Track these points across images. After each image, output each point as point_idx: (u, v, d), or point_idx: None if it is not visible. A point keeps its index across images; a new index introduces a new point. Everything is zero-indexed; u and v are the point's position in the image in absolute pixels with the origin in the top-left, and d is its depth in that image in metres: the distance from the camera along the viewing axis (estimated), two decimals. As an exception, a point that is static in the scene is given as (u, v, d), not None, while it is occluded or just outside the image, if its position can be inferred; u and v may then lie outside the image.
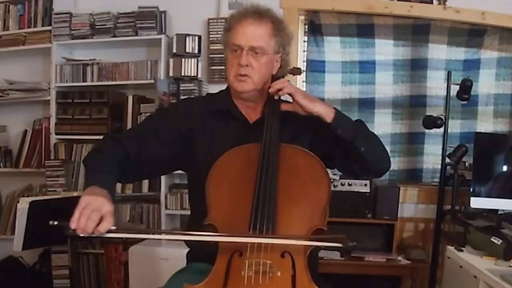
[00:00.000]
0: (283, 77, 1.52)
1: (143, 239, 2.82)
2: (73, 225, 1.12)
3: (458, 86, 2.82)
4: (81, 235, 1.14)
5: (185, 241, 1.53)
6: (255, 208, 1.22)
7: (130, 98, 3.11)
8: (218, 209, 1.26)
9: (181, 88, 2.98)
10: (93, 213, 1.14)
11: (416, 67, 3.15)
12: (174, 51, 3.01)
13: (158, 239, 1.15)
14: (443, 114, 2.83)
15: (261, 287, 1.11)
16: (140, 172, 1.44)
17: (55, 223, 1.15)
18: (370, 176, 1.52)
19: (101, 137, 3.09)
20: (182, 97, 2.95)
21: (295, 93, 1.36)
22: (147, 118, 1.60)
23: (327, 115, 1.34)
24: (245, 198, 1.25)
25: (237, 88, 1.41)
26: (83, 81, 3.16)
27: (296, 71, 1.61)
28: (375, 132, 1.48)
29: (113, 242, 2.79)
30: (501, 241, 2.05)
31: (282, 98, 1.46)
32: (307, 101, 1.35)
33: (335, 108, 1.37)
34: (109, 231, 1.16)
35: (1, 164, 3.31)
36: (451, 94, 2.83)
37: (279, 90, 1.37)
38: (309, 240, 1.21)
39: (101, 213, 1.15)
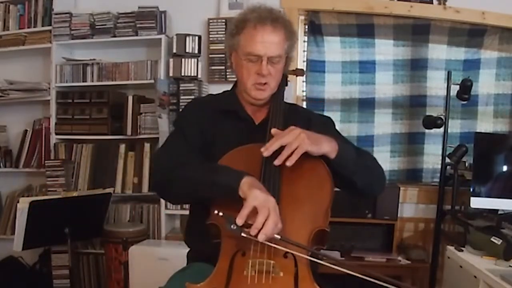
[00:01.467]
0: (286, 77, 1.51)
1: (144, 239, 2.84)
2: (239, 220, 1.07)
3: (458, 86, 2.82)
4: (248, 235, 1.07)
5: (185, 241, 1.53)
6: None
7: (130, 98, 3.11)
8: (221, 208, 1.25)
9: (181, 88, 2.98)
10: (273, 214, 1.09)
11: (416, 67, 3.15)
12: (174, 51, 3.01)
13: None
14: (443, 114, 2.83)
15: (264, 286, 1.11)
16: None
17: (221, 214, 1.08)
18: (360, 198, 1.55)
19: (101, 137, 3.12)
20: (182, 97, 2.95)
21: (308, 148, 1.26)
22: (177, 130, 1.50)
23: (332, 152, 1.30)
24: None
25: (257, 96, 1.43)
26: (83, 81, 3.16)
27: (299, 72, 1.62)
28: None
29: (113, 242, 2.79)
30: (501, 241, 2.05)
31: (284, 97, 1.47)
32: (314, 146, 1.27)
33: (337, 143, 1.33)
34: (272, 240, 1.09)
35: (1, 164, 3.31)
36: (451, 94, 2.83)
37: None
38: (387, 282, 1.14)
39: (278, 216, 1.10)
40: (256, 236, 1.08)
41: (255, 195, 1.11)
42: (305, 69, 3.18)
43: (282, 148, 1.25)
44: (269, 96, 1.45)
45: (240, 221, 1.08)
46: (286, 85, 1.55)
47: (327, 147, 1.29)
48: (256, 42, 1.37)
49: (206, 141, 1.44)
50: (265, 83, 1.40)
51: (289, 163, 1.23)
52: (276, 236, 1.11)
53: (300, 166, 1.31)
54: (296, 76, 1.61)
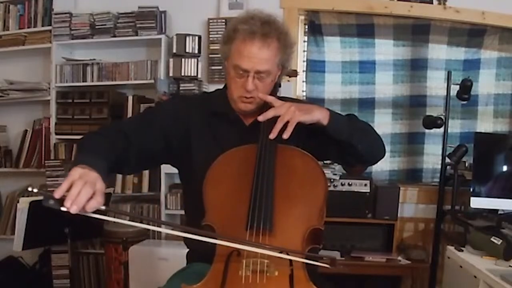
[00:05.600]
0: (279, 85, 1.51)
1: (144, 239, 2.84)
2: (57, 194, 1.04)
3: (458, 86, 2.82)
4: (64, 209, 1.04)
5: (184, 241, 1.53)
6: (252, 208, 1.22)
7: (130, 98, 3.11)
8: (215, 210, 1.25)
9: (181, 88, 2.98)
10: (87, 186, 1.05)
11: (416, 67, 3.16)
12: (174, 51, 3.01)
13: (146, 229, 1.13)
14: (443, 114, 2.83)
15: (258, 286, 1.10)
16: (140, 163, 1.40)
17: (35, 190, 1.04)
18: (365, 165, 1.57)
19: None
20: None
21: (301, 118, 1.29)
22: (147, 109, 1.55)
23: (324, 118, 1.32)
24: (242, 198, 1.25)
25: (242, 109, 1.41)
26: (83, 81, 3.16)
27: (293, 73, 1.61)
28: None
29: (113, 242, 2.79)
30: (501, 241, 2.05)
31: (278, 89, 1.47)
32: (306, 116, 1.29)
33: (327, 109, 1.36)
34: (96, 211, 1.06)
35: (1, 164, 3.31)
36: (451, 94, 2.83)
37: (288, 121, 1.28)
38: (302, 257, 1.16)
39: (95, 188, 1.07)
40: (70, 207, 1.04)
41: (74, 171, 1.10)
42: (305, 69, 3.19)
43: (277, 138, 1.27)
44: (256, 108, 1.41)
45: (56, 194, 1.04)
46: (280, 86, 1.54)
47: (319, 114, 1.32)
48: (243, 57, 1.33)
49: (194, 142, 1.43)
50: (250, 97, 1.38)
51: (285, 136, 1.26)
52: (101, 207, 1.08)
53: (294, 165, 1.32)
54: (290, 77, 1.60)
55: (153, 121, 1.43)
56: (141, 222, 1.15)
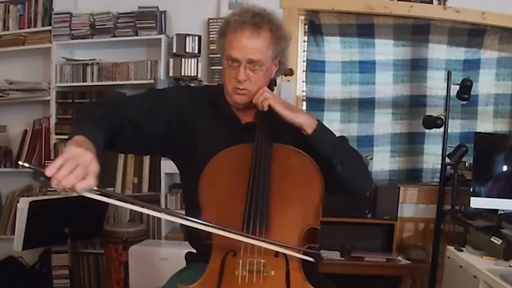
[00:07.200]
0: (275, 81, 1.51)
1: (144, 239, 2.84)
2: (49, 172, 0.98)
3: (458, 86, 2.82)
4: (54, 186, 1.00)
5: (188, 240, 1.53)
6: (248, 207, 1.22)
7: (130, 98, 3.11)
8: (211, 210, 1.25)
9: (181, 88, 2.98)
10: (79, 168, 1.01)
11: (416, 67, 3.16)
12: (174, 51, 3.01)
13: (139, 211, 1.12)
14: (443, 114, 2.83)
15: (255, 286, 1.11)
16: (136, 140, 1.37)
17: (26, 164, 1.00)
18: (345, 195, 1.45)
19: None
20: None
21: (274, 104, 1.33)
22: (153, 92, 1.53)
23: (309, 126, 1.32)
24: (238, 198, 1.25)
25: (236, 100, 1.41)
26: (83, 81, 3.15)
27: (288, 72, 1.61)
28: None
29: (113, 242, 2.79)
30: (501, 241, 2.06)
31: (273, 87, 1.48)
32: (288, 111, 1.32)
33: (318, 121, 1.35)
34: (87, 191, 1.03)
35: (1, 164, 3.31)
36: (451, 94, 2.83)
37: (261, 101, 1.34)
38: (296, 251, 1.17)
39: (87, 170, 1.02)
40: (57, 187, 1.02)
41: (68, 150, 1.05)
42: (305, 69, 3.19)
43: (274, 126, 1.35)
44: (251, 103, 1.40)
45: (48, 173, 0.99)
46: (275, 85, 1.54)
47: (304, 119, 1.33)
48: (234, 47, 1.34)
49: (193, 136, 1.42)
50: (243, 89, 1.38)
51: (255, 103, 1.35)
52: (95, 188, 1.04)
53: (290, 164, 1.32)
54: (285, 75, 1.60)
55: (159, 106, 1.43)
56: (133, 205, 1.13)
